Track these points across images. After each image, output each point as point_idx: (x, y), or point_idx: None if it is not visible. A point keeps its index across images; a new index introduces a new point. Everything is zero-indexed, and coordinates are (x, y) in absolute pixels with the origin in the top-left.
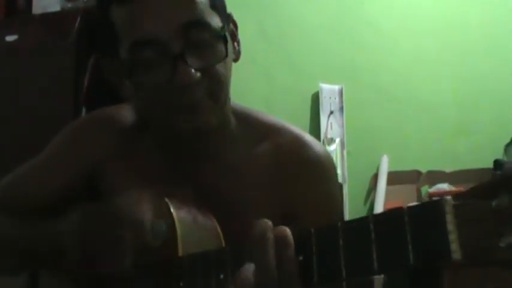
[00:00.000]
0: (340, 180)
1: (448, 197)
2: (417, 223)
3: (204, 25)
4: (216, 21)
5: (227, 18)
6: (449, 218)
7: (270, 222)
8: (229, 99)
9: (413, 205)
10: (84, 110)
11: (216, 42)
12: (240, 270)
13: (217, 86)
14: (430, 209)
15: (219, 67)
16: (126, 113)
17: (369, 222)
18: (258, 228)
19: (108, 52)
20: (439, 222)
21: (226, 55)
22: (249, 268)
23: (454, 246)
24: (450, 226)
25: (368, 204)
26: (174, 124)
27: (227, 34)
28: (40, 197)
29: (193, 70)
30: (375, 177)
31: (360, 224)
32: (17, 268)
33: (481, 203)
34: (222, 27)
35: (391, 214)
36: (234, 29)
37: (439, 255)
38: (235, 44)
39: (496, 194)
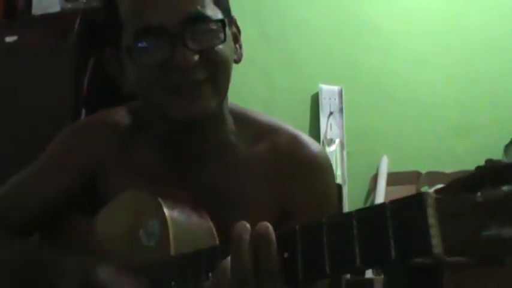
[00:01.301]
0: (339, 181)
1: (430, 191)
2: (399, 218)
3: (206, 19)
4: (217, 16)
5: (230, 20)
6: (431, 211)
7: (247, 225)
8: (227, 97)
9: (395, 199)
10: (84, 111)
11: (216, 28)
12: (218, 267)
13: (217, 69)
14: (412, 203)
15: (220, 50)
16: (124, 115)
17: (352, 218)
18: (236, 230)
19: (111, 43)
20: (420, 216)
21: (225, 39)
22: (226, 266)
23: (435, 241)
24: (431, 220)
25: (368, 205)
26: (170, 110)
27: (227, 23)
28: (41, 201)
29: (191, 53)
30: (375, 178)
31: (343, 220)
32: None
33: (464, 196)
34: (223, 19)
35: (374, 209)
36: (237, 32)
37: (421, 250)
38: (237, 46)
39: (479, 186)
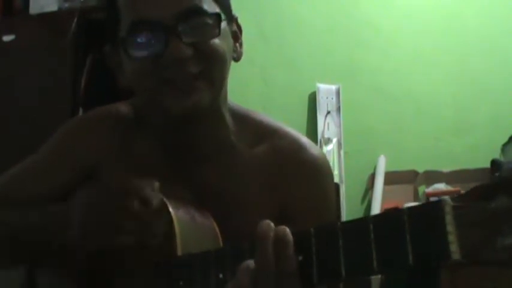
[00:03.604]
0: (337, 180)
1: (448, 198)
2: (417, 224)
3: (201, 12)
4: (214, 10)
5: (231, 18)
6: (449, 218)
7: (272, 224)
8: (226, 95)
9: (412, 205)
10: (81, 110)
11: (211, 22)
12: (239, 268)
13: (212, 63)
14: (430, 209)
15: (214, 44)
16: (124, 112)
17: (369, 222)
18: (261, 227)
19: (110, 36)
20: (439, 223)
21: (219, 33)
22: (248, 266)
23: (453, 247)
24: (449, 227)
25: (365, 204)
26: (164, 103)
27: (225, 19)
28: (37, 197)
29: (185, 46)
30: (372, 177)
31: (359, 224)
32: (15, 261)
33: (480, 204)
34: (219, 13)
35: (391, 214)
36: (238, 31)
37: (439, 255)
38: (237, 44)
39: (494, 195)
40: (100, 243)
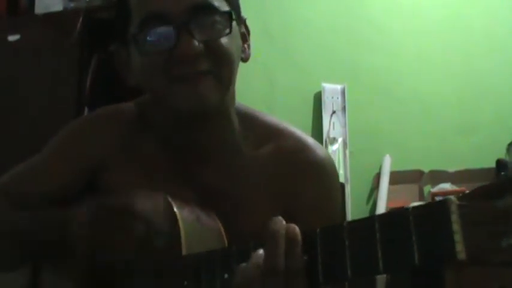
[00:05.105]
0: (342, 180)
1: (453, 197)
2: (422, 223)
3: (212, 9)
4: (224, 9)
5: (239, 18)
6: (455, 218)
7: (284, 221)
8: (234, 97)
9: (418, 205)
10: (86, 110)
11: (222, 20)
12: (251, 260)
13: (221, 62)
14: (436, 209)
15: (225, 44)
16: (129, 112)
17: (374, 222)
18: (274, 224)
19: (120, 34)
20: (445, 222)
21: (230, 31)
22: (257, 261)
23: (459, 247)
24: (455, 226)
25: (370, 204)
26: (173, 101)
27: (235, 18)
28: (41, 194)
29: (196, 42)
30: (377, 177)
31: (365, 224)
32: (19, 261)
33: (486, 204)
34: (230, 11)
35: (396, 214)
36: (246, 33)
37: (444, 255)
38: (246, 45)
39: (500, 195)
40: (100, 261)
